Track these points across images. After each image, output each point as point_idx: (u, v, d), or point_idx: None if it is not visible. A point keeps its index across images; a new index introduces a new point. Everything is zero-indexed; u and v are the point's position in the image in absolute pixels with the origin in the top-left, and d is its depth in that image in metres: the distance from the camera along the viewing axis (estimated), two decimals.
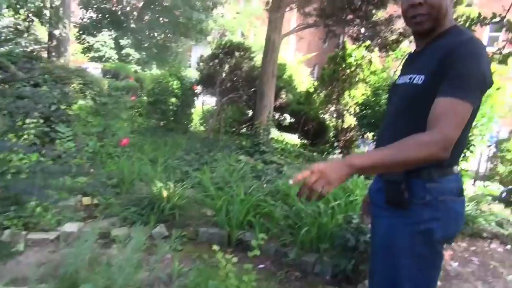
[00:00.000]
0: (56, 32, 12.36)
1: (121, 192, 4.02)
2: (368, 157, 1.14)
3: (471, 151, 5.87)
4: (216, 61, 7.57)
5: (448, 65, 1.18)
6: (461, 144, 1.31)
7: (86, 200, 3.81)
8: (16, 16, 12.11)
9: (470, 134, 5.82)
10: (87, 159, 4.66)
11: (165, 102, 7.77)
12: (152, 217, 3.35)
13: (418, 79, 1.27)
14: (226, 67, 7.46)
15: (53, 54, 12.45)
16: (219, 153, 5.79)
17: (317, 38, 12.26)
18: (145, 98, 9.13)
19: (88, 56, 16.42)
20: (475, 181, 7.78)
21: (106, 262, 2.43)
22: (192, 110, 9.05)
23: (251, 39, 23.27)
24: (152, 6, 16.23)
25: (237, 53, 7.56)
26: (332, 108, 8.68)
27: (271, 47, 6.58)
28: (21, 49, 9.95)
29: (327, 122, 9.15)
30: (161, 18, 16.72)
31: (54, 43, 12.45)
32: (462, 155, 6.05)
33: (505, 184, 6.90)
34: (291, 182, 1.11)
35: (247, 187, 3.96)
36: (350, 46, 7.97)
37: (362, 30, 7.42)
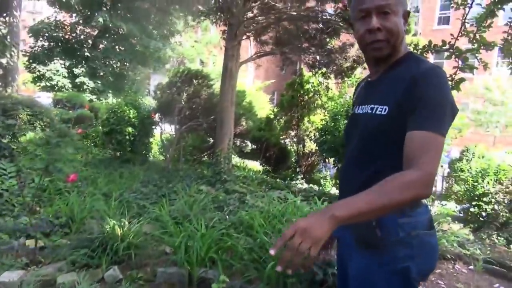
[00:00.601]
0: (3, 60, 11.76)
1: (71, 232, 3.69)
2: (351, 206, 1.02)
3: None
4: (174, 89, 7.42)
5: (416, 97, 1.13)
6: None
7: (30, 243, 3.45)
8: None
9: None
10: (33, 196, 4.27)
11: (121, 132, 7.47)
12: (104, 258, 3.06)
13: (382, 109, 1.21)
14: (185, 95, 7.32)
15: (0, 84, 11.80)
16: (179, 184, 5.57)
17: (274, 65, 12.51)
18: (100, 128, 8.75)
19: (39, 86, 15.71)
20: (433, 201, 8.01)
21: None
22: (151, 139, 8.78)
23: (210, 66, 23.44)
24: (107, 35, 15.92)
25: (195, 81, 7.47)
26: (293, 134, 8.75)
27: (228, 75, 6.56)
28: None
29: (289, 148, 9.18)
30: (117, 46, 16.41)
31: (1, 72, 11.82)
32: None
33: (461, 203, 7.14)
34: (272, 252, 0.97)
35: (208, 220, 3.78)
36: (307, 73, 8.14)
37: (318, 57, 7.61)
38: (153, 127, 8.30)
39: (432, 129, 1.09)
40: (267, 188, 6.34)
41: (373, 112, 1.24)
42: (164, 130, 8.52)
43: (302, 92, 8.36)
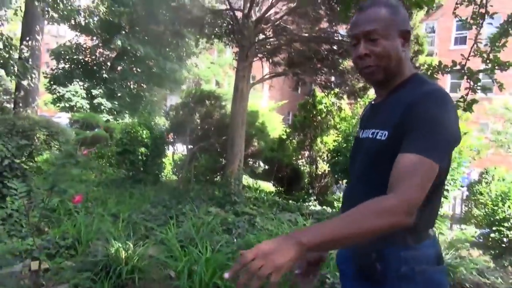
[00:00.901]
0: (24, 82, 12.14)
1: (77, 254, 3.66)
2: (320, 232, 0.93)
3: (445, 197, 5.85)
4: (187, 109, 7.48)
5: (411, 119, 1.07)
6: (435, 205, 1.19)
7: (34, 265, 3.42)
8: None
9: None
10: (40, 217, 4.28)
11: (134, 152, 7.52)
12: (106, 283, 3.00)
13: (382, 134, 1.16)
14: (197, 115, 7.37)
15: (20, 104, 12.14)
16: (188, 205, 5.51)
17: (288, 86, 12.56)
18: (114, 148, 8.85)
19: (58, 106, 16.13)
20: (451, 225, 7.73)
21: None
22: (164, 160, 8.81)
23: (225, 87, 23.71)
24: (125, 57, 16.33)
25: (207, 102, 7.52)
26: (306, 155, 8.65)
27: (239, 96, 6.57)
28: None
29: (302, 169, 9.07)
30: (134, 68, 16.80)
31: (22, 93, 12.18)
32: None
33: (481, 227, 6.85)
34: (226, 275, 0.88)
35: (215, 243, 3.70)
36: (319, 93, 8.10)
37: (331, 78, 7.59)
38: (165, 147, 8.35)
39: (421, 152, 1.01)
40: (278, 210, 6.23)
41: (374, 137, 1.19)
42: (176, 150, 8.55)
43: (314, 112, 8.31)
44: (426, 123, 1.05)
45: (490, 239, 5.87)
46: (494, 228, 5.80)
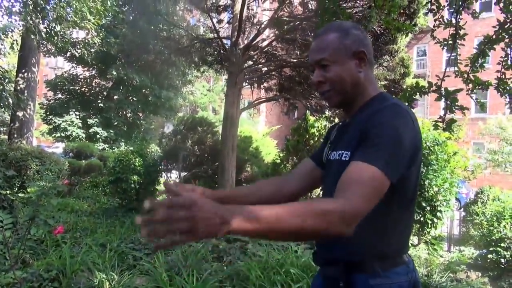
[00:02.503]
0: (19, 114, 12.22)
1: (61, 286, 3.56)
2: (253, 219, 0.82)
3: (439, 218, 5.78)
4: (179, 136, 7.50)
5: (366, 131, 1.07)
6: (405, 227, 1.16)
7: None
8: None
9: (435, 200, 5.78)
10: (27, 248, 4.21)
11: (127, 181, 7.48)
12: None
13: (346, 155, 1.15)
14: (189, 142, 7.38)
15: (15, 135, 12.17)
16: None
17: (280, 111, 12.67)
18: (106, 177, 8.81)
19: (54, 136, 16.20)
20: (450, 246, 7.60)
21: None
22: (157, 187, 8.75)
23: (222, 114, 23.90)
24: (121, 86, 16.55)
25: (200, 128, 7.55)
26: None
27: (229, 122, 6.60)
28: None
29: None
30: (130, 97, 16.98)
31: (17, 124, 12.24)
32: (430, 222, 5.94)
33: (479, 248, 6.74)
34: (139, 219, 0.77)
35: (203, 271, 3.62)
36: (311, 117, 8.16)
37: (322, 101, 7.65)
38: (159, 174, 8.31)
39: (368, 160, 0.99)
40: None
41: (340, 158, 1.18)
42: (170, 178, 8.51)
43: (307, 136, 8.32)
44: (376, 133, 1.04)
45: (488, 260, 5.76)
46: (491, 249, 5.70)
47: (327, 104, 1.33)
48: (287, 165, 8.97)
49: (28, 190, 8.43)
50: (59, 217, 5.42)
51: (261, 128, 19.48)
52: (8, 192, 4.80)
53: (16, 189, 8.10)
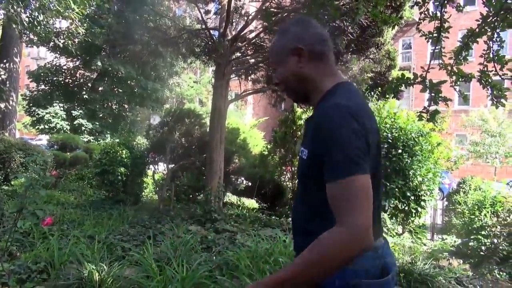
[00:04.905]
0: (1, 105, 11.96)
1: (49, 278, 3.56)
2: (282, 273, 1.06)
3: (423, 207, 5.92)
4: (166, 128, 7.46)
5: (319, 144, 1.09)
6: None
7: None
8: None
9: (419, 189, 5.92)
10: (14, 241, 4.16)
11: (113, 173, 7.42)
12: None
13: (305, 154, 1.18)
14: (177, 134, 7.35)
15: None
16: (168, 224, 5.45)
17: (268, 103, 12.66)
18: (93, 169, 8.72)
19: (38, 128, 15.88)
20: (433, 235, 7.80)
21: None
22: (145, 179, 8.71)
23: (209, 106, 23.78)
24: (106, 78, 16.27)
25: (187, 120, 7.52)
26: (289, 169, 8.67)
27: (217, 114, 6.59)
28: None
29: (284, 184, 9.07)
30: (115, 89, 16.72)
31: None
32: (414, 211, 6.08)
33: (461, 236, 6.94)
34: None
35: (193, 262, 3.65)
36: (299, 109, 8.20)
37: None
38: (146, 166, 8.27)
39: (340, 176, 1.02)
40: (260, 226, 6.20)
41: (301, 155, 1.22)
42: (157, 170, 8.47)
43: (294, 128, 8.38)
44: (330, 145, 1.05)
45: (469, 248, 5.94)
46: (472, 237, 5.87)
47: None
48: (275, 156, 9.03)
49: (12, 182, 8.31)
50: (46, 209, 5.35)
51: (248, 120, 19.46)
52: None
53: (0, 181, 7.98)
